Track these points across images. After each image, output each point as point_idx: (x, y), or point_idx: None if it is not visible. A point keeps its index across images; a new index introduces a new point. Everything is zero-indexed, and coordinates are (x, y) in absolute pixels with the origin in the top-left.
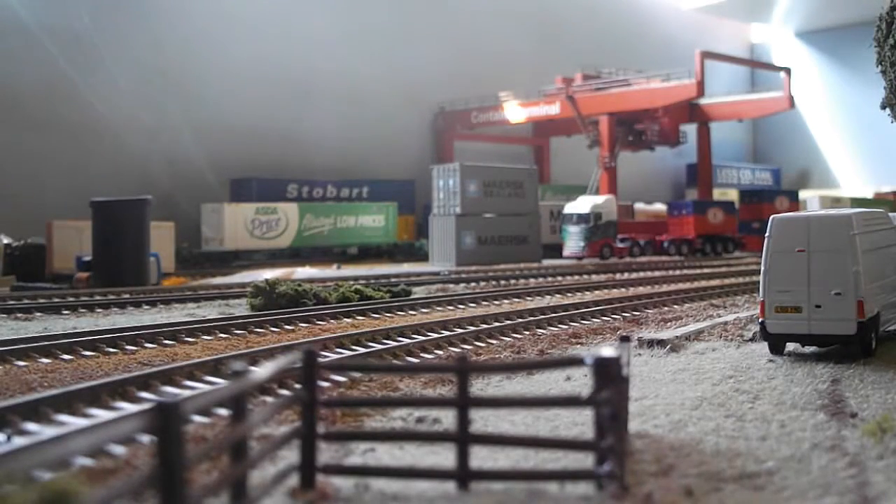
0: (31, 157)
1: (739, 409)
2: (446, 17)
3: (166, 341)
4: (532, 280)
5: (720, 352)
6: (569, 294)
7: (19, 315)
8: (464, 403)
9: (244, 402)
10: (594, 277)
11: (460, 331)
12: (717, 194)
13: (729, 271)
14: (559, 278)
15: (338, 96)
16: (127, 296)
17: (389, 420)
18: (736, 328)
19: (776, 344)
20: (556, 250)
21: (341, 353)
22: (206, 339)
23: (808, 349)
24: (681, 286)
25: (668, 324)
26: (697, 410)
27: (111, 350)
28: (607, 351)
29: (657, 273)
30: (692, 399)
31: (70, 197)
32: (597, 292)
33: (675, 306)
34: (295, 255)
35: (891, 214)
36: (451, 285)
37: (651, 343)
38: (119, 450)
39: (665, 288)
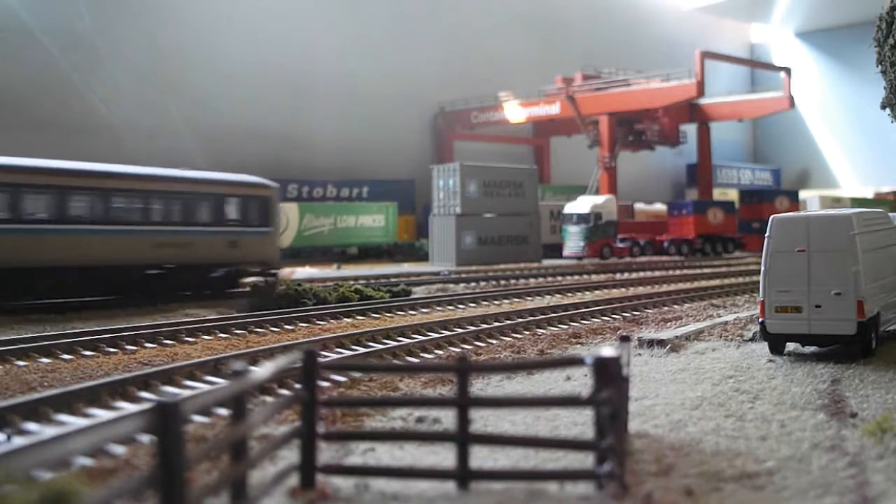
0: (31, 157)
1: (739, 409)
2: (446, 18)
3: (166, 341)
4: (532, 280)
5: (720, 352)
6: (569, 294)
7: (19, 315)
8: (464, 403)
9: (244, 402)
10: (594, 277)
11: (460, 331)
12: (717, 194)
13: (729, 271)
14: (559, 278)
15: (338, 96)
16: None
17: (389, 420)
18: (736, 328)
19: (776, 344)
20: (556, 250)
21: (341, 353)
22: (206, 339)
23: (808, 349)
24: (681, 286)
25: (668, 324)
26: (697, 410)
27: (111, 350)
28: (607, 351)
29: (657, 273)
30: (692, 399)
31: None
32: (597, 292)
33: (675, 306)
34: (295, 255)
35: (891, 214)
36: (451, 285)
37: (651, 343)
38: (119, 450)
39: (665, 288)
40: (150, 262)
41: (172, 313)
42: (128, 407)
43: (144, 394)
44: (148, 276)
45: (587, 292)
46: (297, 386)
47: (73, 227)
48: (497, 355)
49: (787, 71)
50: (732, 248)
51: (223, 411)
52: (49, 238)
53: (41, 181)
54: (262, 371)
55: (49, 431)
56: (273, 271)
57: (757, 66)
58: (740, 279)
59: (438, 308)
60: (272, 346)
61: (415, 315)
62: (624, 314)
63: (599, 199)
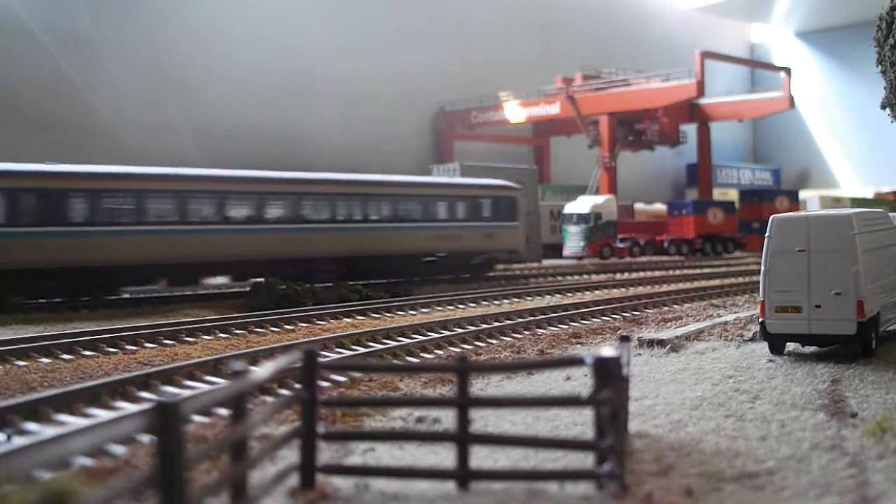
0: (31, 157)
1: (739, 408)
2: (446, 18)
3: (166, 341)
4: (532, 280)
5: (720, 352)
6: (569, 294)
7: (19, 315)
8: (464, 403)
9: (244, 402)
10: (594, 277)
11: (460, 331)
12: (717, 194)
13: (729, 271)
14: (559, 278)
15: (338, 96)
16: (127, 295)
17: (389, 420)
18: (736, 328)
19: (776, 344)
20: (556, 250)
21: (341, 353)
22: (206, 339)
23: (808, 349)
24: (681, 286)
25: (668, 324)
26: (697, 410)
27: (111, 350)
28: (607, 351)
29: (657, 273)
30: (692, 399)
31: None
32: (597, 292)
33: (675, 306)
34: None
35: (891, 214)
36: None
37: (651, 343)
38: (119, 450)
39: (665, 288)
40: (429, 251)
41: (172, 313)
42: (128, 407)
43: (144, 394)
44: (425, 263)
45: (587, 292)
46: (297, 386)
47: (377, 225)
48: (497, 355)
49: (787, 71)
50: (732, 248)
51: (223, 411)
52: (359, 236)
53: (355, 191)
54: (262, 371)
55: (49, 431)
56: (518, 258)
57: (757, 66)
58: (740, 279)
59: (438, 308)
60: (272, 346)
61: (415, 315)
62: (624, 314)
63: (599, 199)
